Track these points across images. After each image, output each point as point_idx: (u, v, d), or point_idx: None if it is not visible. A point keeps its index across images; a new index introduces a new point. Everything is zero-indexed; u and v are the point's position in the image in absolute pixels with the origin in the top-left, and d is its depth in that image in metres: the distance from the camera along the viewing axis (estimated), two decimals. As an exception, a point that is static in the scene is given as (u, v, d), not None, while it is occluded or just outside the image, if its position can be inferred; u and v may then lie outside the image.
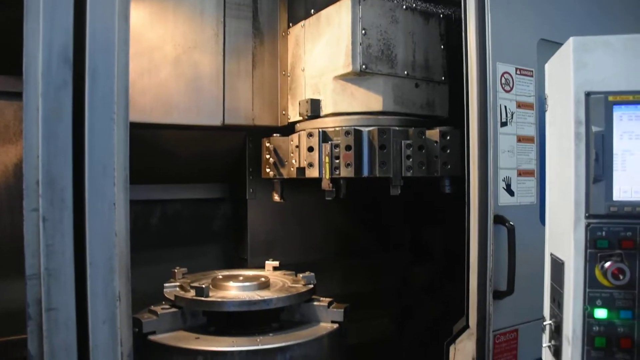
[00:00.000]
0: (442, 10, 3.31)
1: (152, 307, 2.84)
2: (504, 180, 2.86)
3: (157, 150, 3.45)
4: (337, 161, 2.93)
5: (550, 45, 2.83)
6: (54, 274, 1.75)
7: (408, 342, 4.23)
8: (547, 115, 2.10)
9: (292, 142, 3.23)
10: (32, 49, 1.75)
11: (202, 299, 2.75)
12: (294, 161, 3.18)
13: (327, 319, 2.95)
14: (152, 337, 2.69)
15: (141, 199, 3.69)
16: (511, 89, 2.89)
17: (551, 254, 1.99)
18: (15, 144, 3.27)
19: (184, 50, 3.30)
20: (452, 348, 2.92)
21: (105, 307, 1.83)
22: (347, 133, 2.93)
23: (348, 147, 2.92)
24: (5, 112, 3.24)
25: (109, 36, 1.83)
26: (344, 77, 3.05)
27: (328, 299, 3.05)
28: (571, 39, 1.76)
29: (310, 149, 3.02)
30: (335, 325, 2.91)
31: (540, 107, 2.98)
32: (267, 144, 3.39)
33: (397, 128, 3.00)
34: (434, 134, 3.03)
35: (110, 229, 1.83)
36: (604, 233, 1.73)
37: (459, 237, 2.89)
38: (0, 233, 3.15)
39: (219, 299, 2.78)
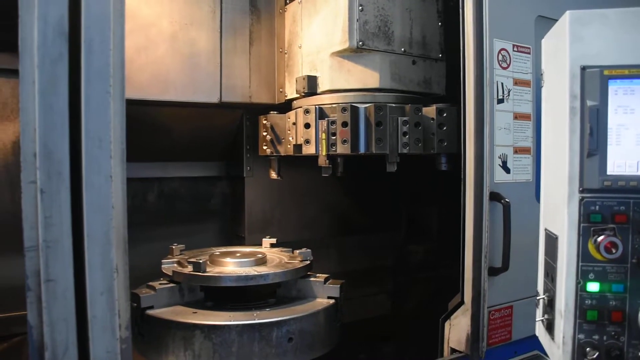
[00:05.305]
0: (440, -13, 3.29)
1: (150, 283, 2.87)
2: (500, 158, 2.87)
3: (154, 127, 3.45)
4: (334, 138, 2.94)
5: (548, 22, 2.81)
6: (52, 246, 1.76)
7: (403, 318, 4.26)
8: (543, 91, 2.10)
9: (289, 119, 3.23)
10: (28, 21, 1.74)
11: (200, 274, 2.77)
12: (290, 138, 3.19)
13: (323, 294, 2.98)
14: (150, 312, 2.72)
15: (139, 176, 3.70)
16: (508, 65, 2.89)
17: (545, 229, 2.00)
18: (14, 121, 3.28)
19: (181, 26, 3.28)
20: (447, 324, 2.96)
21: (102, 279, 1.85)
22: (343, 109, 2.93)
23: (345, 124, 2.92)
24: (3, 89, 3.25)
25: (105, 9, 1.83)
26: (341, 54, 3.04)
27: (324, 275, 3.08)
28: (567, 12, 1.75)
29: (307, 126, 3.02)
30: (332, 301, 2.94)
31: (537, 84, 2.98)
32: (264, 121, 3.40)
33: (393, 105, 3.00)
34: (430, 111, 3.04)
35: (107, 202, 1.84)
36: (597, 207, 1.74)
37: (455, 214, 2.90)
38: (0, 210, 3.17)
39: (216, 274, 2.80)
